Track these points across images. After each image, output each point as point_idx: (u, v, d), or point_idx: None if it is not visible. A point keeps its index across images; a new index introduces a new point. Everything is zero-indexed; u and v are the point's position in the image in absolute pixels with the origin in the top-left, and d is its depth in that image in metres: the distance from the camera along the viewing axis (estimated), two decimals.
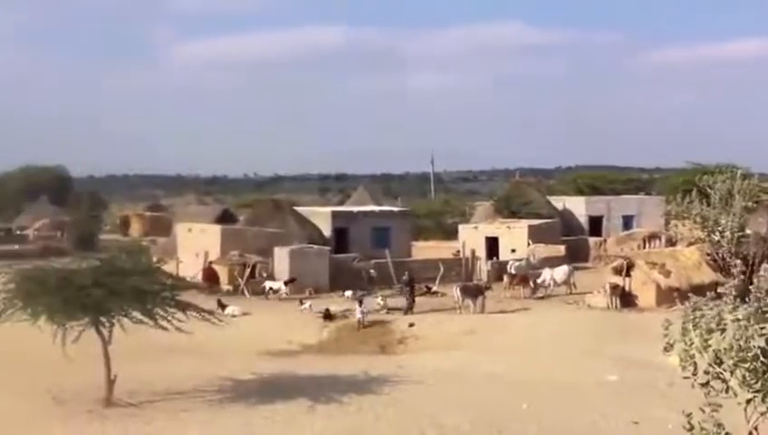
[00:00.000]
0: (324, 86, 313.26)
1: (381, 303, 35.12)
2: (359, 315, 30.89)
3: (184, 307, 19.80)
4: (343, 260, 43.53)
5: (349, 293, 37.88)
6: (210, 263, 40.77)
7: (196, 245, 43.85)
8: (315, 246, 43.20)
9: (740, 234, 36.44)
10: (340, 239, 48.18)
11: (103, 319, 18.95)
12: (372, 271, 42.17)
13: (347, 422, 17.07)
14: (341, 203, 77.60)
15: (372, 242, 48.11)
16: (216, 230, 45.01)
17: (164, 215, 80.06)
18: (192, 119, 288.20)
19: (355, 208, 55.74)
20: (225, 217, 56.23)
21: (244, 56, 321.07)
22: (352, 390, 19.87)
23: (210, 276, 39.84)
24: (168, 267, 30.72)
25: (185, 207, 74.19)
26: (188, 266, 40.88)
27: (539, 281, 39.10)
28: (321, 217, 50.18)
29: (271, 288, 38.94)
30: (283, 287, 38.83)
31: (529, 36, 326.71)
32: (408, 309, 34.26)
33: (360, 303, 30.88)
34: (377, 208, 57.07)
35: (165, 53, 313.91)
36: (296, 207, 53.49)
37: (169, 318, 19.41)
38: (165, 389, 20.20)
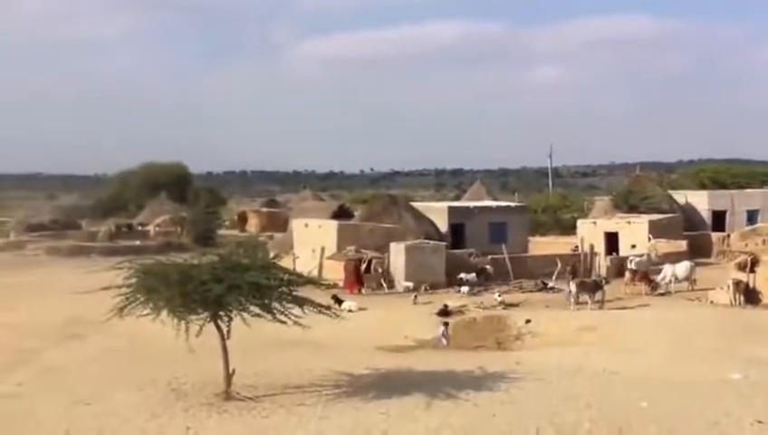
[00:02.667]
0: (441, 81, 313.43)
1: (499, 298, 34.91)
2: (444, 341, 28.66)
3: (301, 302, 20.00)
4: (459, 256, 43.36)
5: (464, 288, 37.78)
6: (355, 261, 40.81)
7: (312, 240, 44.33)
8: (431, 242, 43.16)
9: None
10: (457, 235, 48.05)
11: (222, 313, 19.29)
12: (489, 267, 41.88)
13: (463, 419, 16.98)
14: (457, 198, 77.46)
15: (489, 237, 47.86)
16: (332, 226, 45.36)
17: (280, 211, 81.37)
18: (308, 116, 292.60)
19: (471, 204, 55.50)
20: (340, 213, 56.71)
21: (361, 53, 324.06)
22: (469, 386, 19.77)
23: (357, 276, 39.95)
24: (285, 262, 31.25)
25: (301, 202, 75.07)
26: (305, 262, 41.32)
27: (659, 277, 38.23)
28: (437, 212, 50.11)
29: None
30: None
31: (653, 29, 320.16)
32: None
33: (446, 325, 29.87)
34: (493, 204, 56.76)
35: (282, 51, 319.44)
36: (412, 203, 53.56)
37: (287, 313, 19.63)
38: (282, 383, 20.47)
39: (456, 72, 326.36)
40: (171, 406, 18.70)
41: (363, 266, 40.56)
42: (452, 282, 39.53)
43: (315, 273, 39.68)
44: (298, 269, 29.99)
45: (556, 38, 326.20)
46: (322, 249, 42.58)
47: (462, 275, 39.74)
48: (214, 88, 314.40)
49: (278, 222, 72.09)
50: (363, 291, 38.89)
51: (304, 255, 42.92)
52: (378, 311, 33.18)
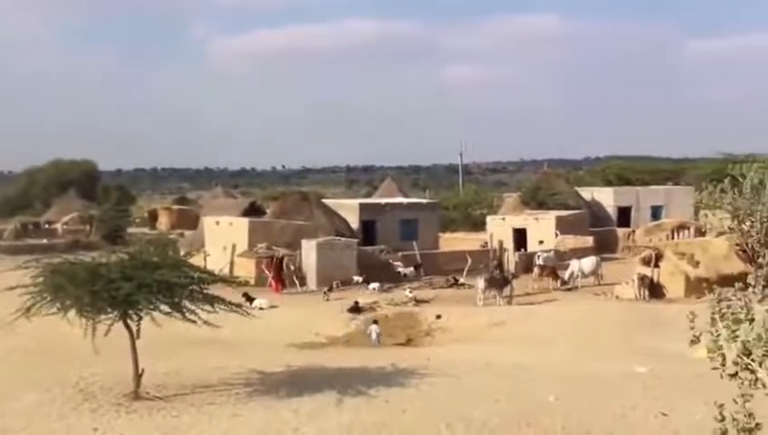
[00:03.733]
0: (355, 78, 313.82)
1: (410, 295, 35.16)
2: (374, 336, 28.79)
3: (212, 300, 19.84)
4: (371, 253, 43.55)
5: (374, 285, 37.96)
6: (279, 259, 40.61)
7: (223, 238, 44.03)
8: (343, 239, 43.27)
9: None
10: (368, 232, 48.24)
11: (131, 312, 19.02)
12: (401, 264, 42.21)
13: (374, 416, 17.05)
14: (369, 195, 77.68)
15: (400, 234, 48.17)
16: (243, 223, 45.15)
17: (191, 208, 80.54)
18: (220, 112, 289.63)
19: (382, 201, 55.79)
20: (252, 211, 56.42)
21: (275, 50, 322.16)
22: (380, 382, 19.85)
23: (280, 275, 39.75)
24: (196, 261, 30.94)
25: (212, 200, 74.43)
26: (216, 259, 40.98)
27: (566, 272, 38.99)
28: (349, 209, 50.26)
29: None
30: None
31: (562, 27, 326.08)
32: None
33: (375, 322, 29.84)
34: (404, 200, 57.16)
35: (197, 48, 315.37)
36: (323, 200, 53.58)
37: (197, 311, 19.46)
38: (193, 382, 20.27)
39: (371, 70, 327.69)
40: (79, 407, 18.35)
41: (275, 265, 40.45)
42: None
43: (226, 271, 39.39)
44: (209, 267, 29.73)
45: (469, 37, 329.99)
46: (233, 247, 42.34)
47: (399, 269, 40.32)
48: (126, 86, 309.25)
49: (189, 220, 71.30)
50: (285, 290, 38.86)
51: (215, 252, 42.50)
52: (289, 308, 33.14)
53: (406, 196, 65.79)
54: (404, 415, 17.09)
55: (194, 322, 19.39)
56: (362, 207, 50.97)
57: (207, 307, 19.61)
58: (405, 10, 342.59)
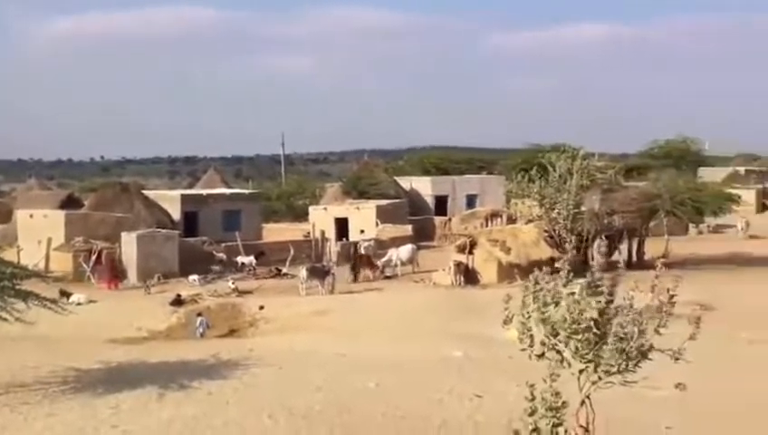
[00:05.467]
0: (182, 66, 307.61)
1: (232, 286, 35.03)
2: (201, 329, 28.66)
3: (25, 296, 19.19)
4: (193, 244, 43.07)
5: (195, 277, 37.59)
6: (113, 254, 39.38)
7: (38, 231, 42.56)
8: (164, 231, 42.60)
9: (575, 211, 38.04)
10: (190, 223, 47.70)
11: None
12: (223, 255, 41.95)
13: (196, 408, 16.96)
14: (191, 186, 76.59)
15: (223, 225, 47.90)
16: (59, 216, 43.81)
17: (4, 201, 77.01)
18: (34, 101, 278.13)
19: (204, 191, 55.21)
20: (69, 203, 54.56)
21: (99, 35, 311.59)
22: (202, 375, 19.75)
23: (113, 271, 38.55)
24: (8, 255, 29.77)
25: (26, 192, 71.45)
26: (30, 254, 39.56)
27: (384, 260, 39.72)
28: (170, 200, 49.52)
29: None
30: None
31: (385, 19, 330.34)
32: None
33: (200, 314, 29.58)
34: (227, 191, 56.75)
35: (12, 33, 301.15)
36: (144, 191, 52.51)
37: (9, 308, 18.79)
38: (6, 381, 19.57)
39: (196, 58, 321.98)
40: None
41: (93, 258, 39.40)
42: (186, 271, 39.32)
43: (41, 265, 38.12)
44: (23, 262, 28.72)
45: (294, 27, 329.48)
46: (49, 241, 40.96)
47: (239, 258, 40.24)
48: None
49: (1, 213, 68.21)
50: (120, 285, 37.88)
51: (30, 247, 41.09)
52: (109, 302, 32.42)
53: (229, 187, 65.32)
54: (227, 407, 17.09)
55: (5, 319, 18.74)
56: (184, 198, 50.30)
57: (20, 303, 18.98)
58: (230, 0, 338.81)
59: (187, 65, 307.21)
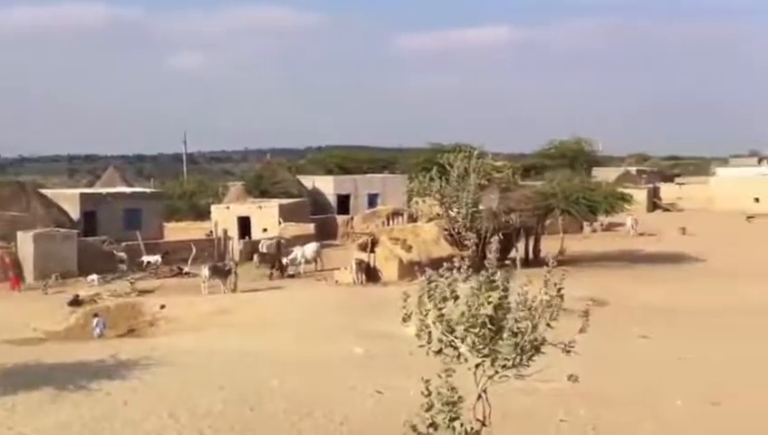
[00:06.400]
0: (77, 63, 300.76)
1: (132, 285, 34.66)
2: (98, 329, 28.23)
3: None
4: (92, 243, 42.40)
5: (94, 277, 37.06)
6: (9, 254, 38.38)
7: None
8: (62, 230, 41.84)
9: (474, 209, 38.73)
10: (90, 222, 46.98)
11: None
12: (123, 254, 41.41)
13: (95, 409, 16.78)
14: (91, 185, 75.24)
15: (124, 224, 47.33)
16: None
17: None
18: None
19: (104, 190, 54.36)
20: None
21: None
22: (100, 376, 19.50)
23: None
24: None
25: None
26: None
27: (289, 259, 39.77)
28: (69, 199, 48.70)
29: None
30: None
31: (290, 18, 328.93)
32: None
33: (96, 315, 29.05)
34: (127, 190, 56.00)
35: None
36: (42, 190, 51.45)
37: None
38: None
39: (94, 56, 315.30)
40: None
41: None
42: (85, 271, 38.69)
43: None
44: None
45: (195, 24, 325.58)
46: None
47: (145, 257, 39.76)
48: None
49: None
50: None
51: None
52: (5, 303, 31.70)
53: (130, 185, 64.41)
54: (126, 407, 16.95)
55: None
56: (83, 197, 49.51)
57: None
58: None
59: (86, 62, 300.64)
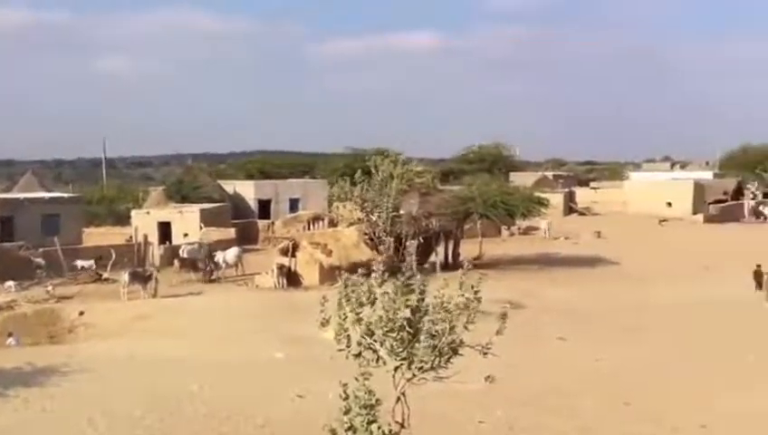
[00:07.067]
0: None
1: (50, 291, 34.18)
2: (13, 343, 27.44)
3: None
4: (8, 249, 41.64)
5: (11, 283, 36.39)
6: None
7: None
8: None
9: (394, 214, 39.11)
10: (6, 228, 46.24)
11: None
12: (41, 259, 40.73)
13: (11, 418, 16.61)
14: (8, 190, 73.75)
15: (41, 229, 46.65)
16: None
17: None
18: None
19: (21, 195, 53.47)
20: None
21: None
22: (17, 383, 19.26)
23: None
24: None
25: None
26: None
27: (209, 264, 39.62)
28: None
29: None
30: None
31: (209, 24, 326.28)
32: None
33: (10, 334, 28.27)
34: (45, 195, 55.13)
35: None
36: None
37: None
38: None
39: (14, 59, 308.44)
40: None
41: None
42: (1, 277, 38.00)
43: None
44: None
45: (118, 29, 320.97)
46: None
47: (78, 262, 39.18)
48: None
49: None
50: None
51: None
52: None
53: (48, 190, 63.40)
54: (44, 414, 16.82)
55: None
56: (0, 202, 48.66)
57: None
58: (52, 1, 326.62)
59: (6, 66, 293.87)
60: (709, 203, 76.62)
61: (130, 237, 48.45)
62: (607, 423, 17.13)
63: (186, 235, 48.82)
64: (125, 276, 34.51)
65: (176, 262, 40.35)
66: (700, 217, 71.43)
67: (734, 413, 17.81)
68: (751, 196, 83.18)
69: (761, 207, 77.91)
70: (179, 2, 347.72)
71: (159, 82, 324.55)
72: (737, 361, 23.66)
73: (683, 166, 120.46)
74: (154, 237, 48.10)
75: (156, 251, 45.15)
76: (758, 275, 34.79)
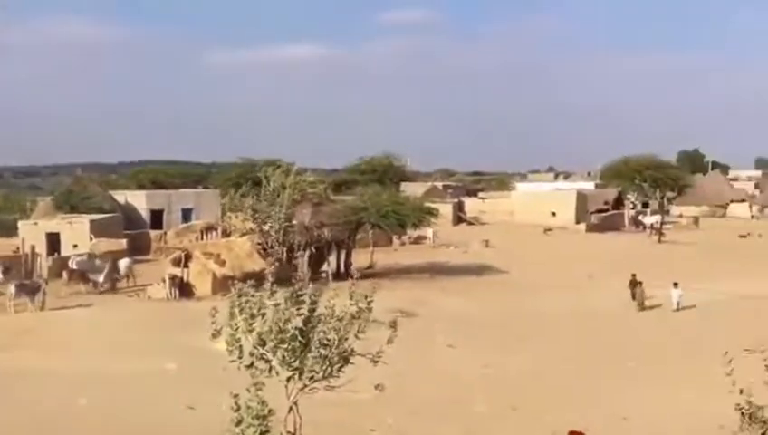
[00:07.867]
0: None
1: None
2: None
3: None
4: None
5: None
6: None
7: None
8: None
9: (287, 224, 39.22)
10: None
11: None
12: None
13: None
14: None
15: None
16: None
17: None
18: None
19: None
20: None
21: None
22: None
23: None
24: None
25: None
26: None
27: (102, 276, 38.95)
28: None
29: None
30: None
31: (100, 34, 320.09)
32: None
33: None
34: None
35: None
36: None
37: None
38: None
39: None
40: None
41: None
42: None
43: None
44: None
45: (8, 36, 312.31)
46: None
47: None
48: None
49: None
50: None
51: None
52: None
53: None
54: None
55: None
56: None
57: None
58: None
59: None
60: (591, 213, 78.89)
61: (17, 248, 47.29)
62: (495, 428, 17.67)
63: (75, 246, 47.85)
64: (11, 289, 33.69)
65: (64, 274, 39.54)
66: (583, 226, 73.48)
67: (616, 415, 18.64)
68: (631, 205, 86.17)
69: (640, 217, 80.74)
70: (65, 6, 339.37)
71: (49, 91, 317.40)
72: (618, 365, 24.67)
73: (566, 176, 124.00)
74: (42, 248, 47.04)
75: (44, 262, 44.18)
76: (633, 285, 36.27)
